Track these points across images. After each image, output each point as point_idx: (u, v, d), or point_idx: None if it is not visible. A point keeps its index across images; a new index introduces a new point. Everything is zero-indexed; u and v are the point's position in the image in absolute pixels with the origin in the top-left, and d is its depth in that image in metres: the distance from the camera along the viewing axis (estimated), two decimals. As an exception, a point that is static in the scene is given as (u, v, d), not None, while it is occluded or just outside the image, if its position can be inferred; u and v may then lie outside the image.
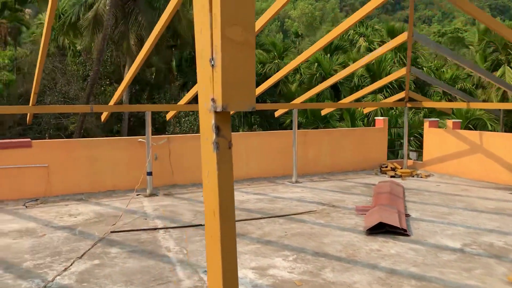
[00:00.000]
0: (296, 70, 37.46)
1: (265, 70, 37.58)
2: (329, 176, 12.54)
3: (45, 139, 23.50)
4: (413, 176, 12.69)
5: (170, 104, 26.90)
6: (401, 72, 11.44)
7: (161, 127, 32.76)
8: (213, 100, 1.74)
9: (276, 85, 37.94)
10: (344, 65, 34.95)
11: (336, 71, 33.63)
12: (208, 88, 1.75)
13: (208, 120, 1.78)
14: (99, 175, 9.91)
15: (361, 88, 34.03)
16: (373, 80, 34.29)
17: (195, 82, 35.90)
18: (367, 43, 38.09)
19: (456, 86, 30.14)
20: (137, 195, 10.00)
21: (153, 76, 36.15)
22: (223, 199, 1.80)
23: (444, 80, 32.91)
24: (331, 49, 37.57)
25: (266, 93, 36.86)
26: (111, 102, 9.71)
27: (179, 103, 10.57)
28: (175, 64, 37.46)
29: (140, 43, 29.71)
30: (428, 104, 13.25)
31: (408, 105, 13.06)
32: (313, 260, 6.01)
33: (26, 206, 8.91)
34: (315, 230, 7.41)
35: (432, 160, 13.01)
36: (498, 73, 32.41)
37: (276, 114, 12.75)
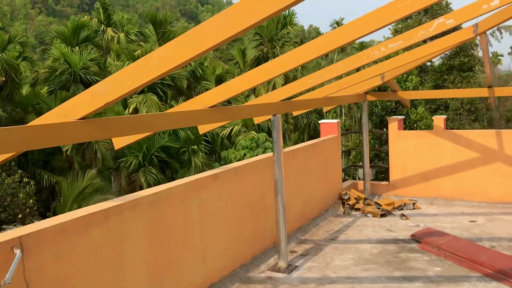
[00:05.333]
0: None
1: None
2: (305, 236, 6.78)
3: None
4: (401, 208, 8.12)
5: None
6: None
7: None
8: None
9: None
10: (98, 62, 27.71)
11: (88, 68, 26.25)
12: None
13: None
14: None
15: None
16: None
17: None
18: (123, 34, 31.58)
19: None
20: None
21: None
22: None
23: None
24: (78, 41, 29.50)
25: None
26: None
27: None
28: None
29: None
30: (406, 94, 8.75)
31: (370, 98, 8.35)
32: None
33: None
34: None
35: (406, 179, 8.69)
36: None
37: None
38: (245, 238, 5.51)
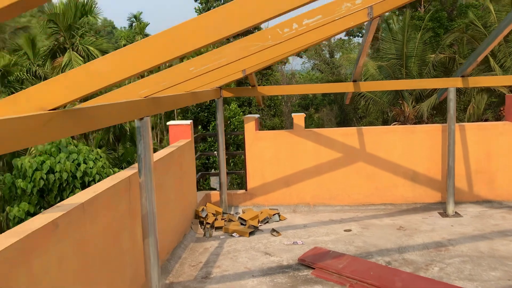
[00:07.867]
0: None
1: None
2: (169, 279, 5.09)
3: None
4: (267, 221, 6.99)
5: None
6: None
7: None
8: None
9: None
10: None
11: None
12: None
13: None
14: None
15: None
16: None
17: None
18: None
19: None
20: None
21: None
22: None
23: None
24: None
25: None
26: None
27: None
28: None
29: None
30: (266, 90, 7.44)
31: (225, 94, 6.99)
32: None
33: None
34: None
35: (266, 186, 7.62)
36: (65, 58, 27.06)
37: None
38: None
